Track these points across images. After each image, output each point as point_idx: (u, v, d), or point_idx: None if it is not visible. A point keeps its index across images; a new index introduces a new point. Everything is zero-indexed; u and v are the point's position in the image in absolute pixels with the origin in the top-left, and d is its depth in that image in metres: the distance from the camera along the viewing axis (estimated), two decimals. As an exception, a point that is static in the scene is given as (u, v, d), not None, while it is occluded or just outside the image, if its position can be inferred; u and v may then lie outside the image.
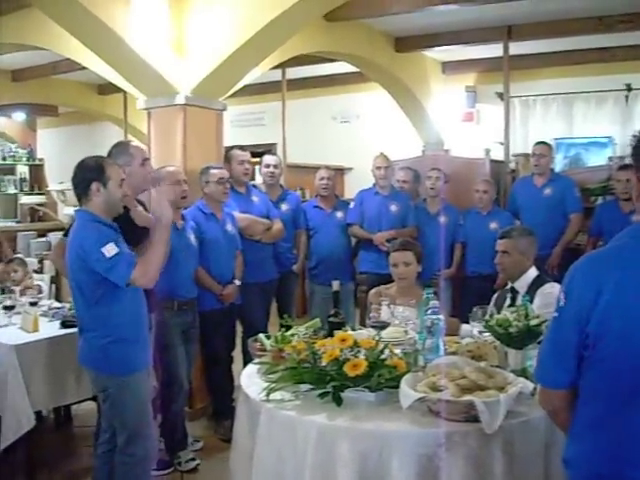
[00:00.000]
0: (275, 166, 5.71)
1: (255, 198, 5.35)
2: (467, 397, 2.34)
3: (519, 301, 3.34)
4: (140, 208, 3.94)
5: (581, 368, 1.81)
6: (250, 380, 2.92)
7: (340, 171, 9.23)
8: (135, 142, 4.05)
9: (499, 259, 3.84)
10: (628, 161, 5.99)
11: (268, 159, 5.73)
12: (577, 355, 1.81)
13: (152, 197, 3.42)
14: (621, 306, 1.71)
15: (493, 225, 5.85)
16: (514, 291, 3.75)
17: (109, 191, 3.20)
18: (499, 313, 2.96)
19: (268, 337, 3.14)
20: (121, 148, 3.92)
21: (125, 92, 8.33)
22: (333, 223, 5.97)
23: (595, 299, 1.74)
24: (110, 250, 3.05)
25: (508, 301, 3.70)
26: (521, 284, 3.74)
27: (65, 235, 3.59)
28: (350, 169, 9.62)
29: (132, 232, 3.48)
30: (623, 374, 1.71)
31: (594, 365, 1.78)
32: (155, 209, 3.35)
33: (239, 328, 5.19)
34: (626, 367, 1.70)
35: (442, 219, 6.12)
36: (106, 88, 9.77)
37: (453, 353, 2.89)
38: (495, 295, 3.98)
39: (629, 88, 7.89)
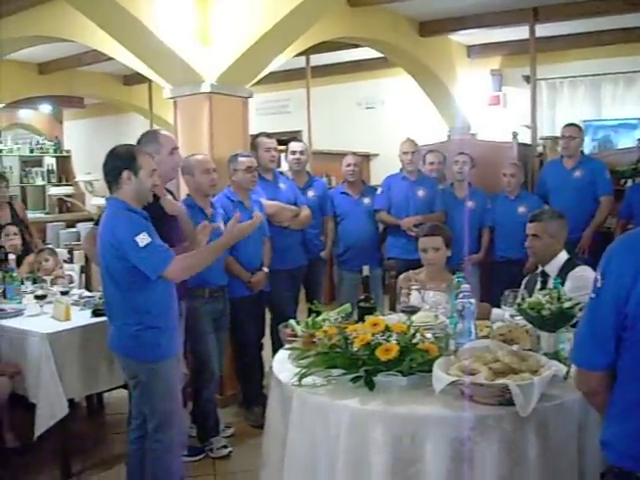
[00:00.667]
0: (301, 152, 5.70)
1: (282, 185, 5.35)
2: (501, 380, 2.33)
3: (550, 285, 3.32)
4: (169, 197, 3.96)
5: (619, 349, 1.80)
6: (282, 366, 2.92)
7: (366, 157, 9.21)
8: (164, 131, 4.06)
9: (529, 242, 3.81)
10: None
11: (294, 146, 5.72)
12: (615, 336, 1.79)
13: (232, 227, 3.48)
14: None
15: (521, 209, 5.80)
16: (545, 275, 3.72)
17: (140, 180, 3.21)
18: (530, 297, 2.94)
19: (298, 323, 3.14)
20: (150, 137, 3.93)
21: (150, 82, 8.38)
22: (360, 209, 5.96)
23: (633, 280, 1.73)
24: (143, 239, 3.07)
25: (539, 285, 3.67)
26: (552, 268, 3.71)
27: (96, 224, 3.62)
28: (376, 155, 9.59)
29: (161, 221, 3.50)
30: None
31: (632, 346, 1.76)
32: (230, 228, 3.44)
33: (268, 315, 5.20)
34: None
35: (470, 204, 6.08)
36: (131, 79, 9.83)
37: (485, 337, 2.87)
38: (525, 279, 3.95)
39: (659, 69, 7.78)
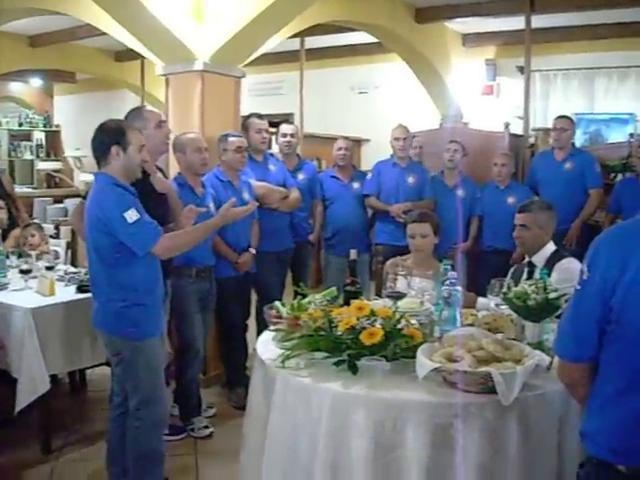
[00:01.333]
0: (292, 135, 5.68)
1: (272, 167, 5.33)
2: (484, 368, 2.33)
3: (536, 275, 3.33)
4: (159, 174, 3.94)
5: (602, 342, 1.80)
6: (265, 347, 2.92)
7: (357, 142, 9.19)
8: (149, 106, 4.03)
9: (518, 233, 3.81)
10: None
11: (285, 128, 5.70)
12: (599, 329, 1.79)
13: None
14: None
15: (511, 199, 5.80)
16: (531, 265, 3.73)
17: (128, 155, 3.19)
18: (516, 287, 2.94)
19: (284, 305, 3.13)
20: (135, 113, 3.91)
21: (143, 59, 8.31)
22: (350, 194, 5.95)
23: (620, 273, 1.72)
24: (132, 215, 3.05)
25: (525, 275, 3.68)
26: (539, 258, 3.72)
27: (84, 199, 3.59)
28: (367, 140, 9.58)
29: (150, 198, 3.48)
30: None
31: (615, 340, 1.76)
32: (224, 211, 3.48)
33: (254, 297, 5.20)
34: None
35: (459, 192, 6.08)
36: (124, 55, 9.75)
37: (470, 325, 2.88)
38: (512, 269, 3.96)
39: (652, 64, 7.79)
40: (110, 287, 3.21)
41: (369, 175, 6.11)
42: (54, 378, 4.20)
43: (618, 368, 1.77)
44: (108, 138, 3.19)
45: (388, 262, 4.10)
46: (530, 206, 3.86)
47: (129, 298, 3.19)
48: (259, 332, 4.14)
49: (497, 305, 3.07)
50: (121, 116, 3.88)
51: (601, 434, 1.80)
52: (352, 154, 6.20)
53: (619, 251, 1.75)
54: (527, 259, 3.83)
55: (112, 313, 3.23)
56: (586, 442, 1.85)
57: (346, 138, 6.16)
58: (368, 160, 6.38)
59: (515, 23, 7.52)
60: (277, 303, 3.17)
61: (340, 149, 5.96)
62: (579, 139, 7.69)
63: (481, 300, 3.37)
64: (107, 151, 3.17)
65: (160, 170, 4.07)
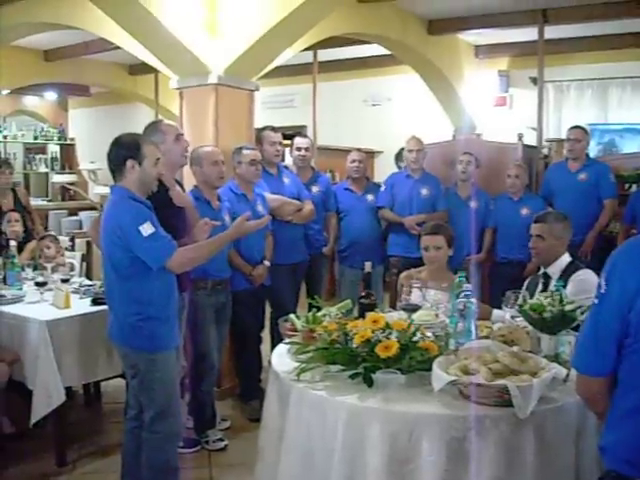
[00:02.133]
0: (307, 149, 5.70)
1: (286, 179, 5.35)
2: (500, 381, 2.32)
3: (551, 287, 3.31)
4: (178, 188, 3.96)
5: (621, 356, 1.79)
6: (281, 360, 2.92)
7: (371, 154, 9.20)
8: (166, 120, 4.06)
9: (533, 243, 3.80)
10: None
11: (300, 142, 5.71)
12: (617, 343, 1.78)
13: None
14: None
15: (524, 211, 5.79)
16: (546, 277, 3.72)
17: (144, 169, 3.21)
18: (531, 298, 2.93)
19: (298, 318, 3.13)
20: (152, 128, 3.94)
21: (157, 72, 8.35)
22: (364, 206, 5.95)
23: (637, 287, 1.71)
24: (147, 229, 3.06)
25: (540, 287, 3.67)
26: (554, 270, 3.70)
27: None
28: (380, 152, 9.59)
29: (169, 212, 3.50)
30: None
31: (633, 354, 1.75)
32: (239, 224, 3.48)
33: (268, 309, 5.20)
34: None
35: (473, 204, 6.06)
36: (138, 68, 9.81)
37: (485, 337, 2.87)
38: (527, 281, 3.94)
39: (666, 74, 7.77)
40: (125, 300, 3.23)
41: (382, 187, 6.11)
42: (69, 390, 4.21)
43: (635, 382, 1.75)
44: (124, 151, 3.21)
45: (402, 274, 4.09)
46: (546, 217, 3.85)
47: (144, 311, 3.20)
48: (273, 345, 4.15)
49: (512, 317, 3.06)
50: (135, 129, 3.89)
51: (619, 447, 1.79)
52: (366, 166, 6.21)
53: (636, 266, 1.74)
54: (542, 270, 3.81)
55: (127, 326, 3.24)
56: (604, 455, 1.84)
57: (359, 150, 6.17)
58: (382, 172, 6.39)
59: (528, 34, 7.52)
60: (292, 316, 3.17)
61: (354, 162, 5.97)
62: (593, 150, 7.66)
63: (496, 312, 3.36)
64: (123, 164, 3.20)
65: (179, 183, 4.09)
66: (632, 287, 1.72)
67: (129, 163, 3.18)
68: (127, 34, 5.10)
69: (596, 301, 1.83)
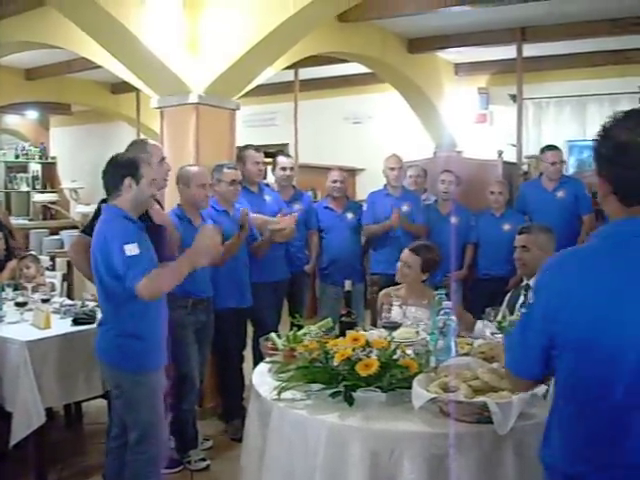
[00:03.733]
0: (291, 168, 5.74)
1: (267, 197, 5.36)
2: (480, 398, 2.33)
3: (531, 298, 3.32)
4: (157, 206, 3.96)
5: (553, 365, 1.77)
6: (261, 379, 2.92)
7: (352, 172, 9.22)
8: (152, 140, 4.07)
9: (518, 254, 3.84)
10: None
11: (283, 161, 5.73)
12: (543, 353, 1.77)
13: (202, 235, 3.36)
14: (587, 312, 1.64)
15: (507, 227, 5.83)
16: (528, 288, 3.73)
17: (140, 188, 3.22)
18: (512, 314, 2.95)
19: (280, 336, 3.13)
20: (138, 146, 3.94)
21: (138, 91, 8.35)
22: (344, 224, 5.97)
23: (562, 301, 1.70)
24: (132, 250, 3.05)
25: (522, 298, 3.68)
26: (537, 281, 3.71)
27: (83, 232, 3.61)
28: (362, 170, 9.61)
29: (149, 230, 3.51)
30: (588, 379, 1.65)
31: (561, 366, 1.74)
32: (199, 244, 3.31)
33: (250, 328, 5.18)
34: (590, 373, 1.64)
35: (453, 220, 6.11)
36: (119, 87, 9.81)
37: (465, 354, 2.88)
38: (508, 296, 3.96)
39: (644, 91, 7.86)
40: (111, 318, 3.23)
41: (364, 206, 6.13)
42: (49, 411, 4.18)
43: (564, 395, 1.74)
44: (123, 170, 3.23)
45: (382, 292, 4.11)
46: (531, 228, 3.92)
47: (128, 330, 3.19)
48: (255, 364, 4.13)
49: (492, 334, 3.08)
50: (117, 148, 3.93)
51: (554, 459, 1.77)
52: (347, 185, 6.24)
53: (562, 279, 1.74)
54: (525, 282, 3.84)
55: (114, 345, 3.24)
56: (544, 468, 1.82)
57: (340, 169, 6.19)
58: (363, 190, 6.42)
59: (507, 52, 7.60)
60: (273, 335, 3.17)
61: (335, 181, 6.00)
62: (572, 166, 7.74)
63: (479, 324, 3.38)
64: (120, 183, 3.20)
65: (158, 202, 4.09)
66: (557, 301, 1.71)
67: (127, 181, 3.19)
68: (107, 53, 5.11)
69: (525, 311, 1.84)
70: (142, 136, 9.32)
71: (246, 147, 5.32)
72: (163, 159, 3.97)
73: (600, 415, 1.63)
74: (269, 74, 5.74)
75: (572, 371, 1.70)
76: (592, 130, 6.90)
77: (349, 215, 6.03)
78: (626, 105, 7.99)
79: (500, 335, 2.97)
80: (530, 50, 7.34)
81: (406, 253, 4.03)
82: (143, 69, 5.13)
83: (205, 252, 3.30)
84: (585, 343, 1.65)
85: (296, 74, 8.18)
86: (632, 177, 1.61)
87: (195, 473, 4.32)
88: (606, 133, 1.66)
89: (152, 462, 3.33)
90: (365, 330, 3.27)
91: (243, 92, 5.50)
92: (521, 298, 3.71)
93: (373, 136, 9.50)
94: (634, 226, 1.65)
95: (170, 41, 4.92)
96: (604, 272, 1.65)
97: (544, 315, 1.75)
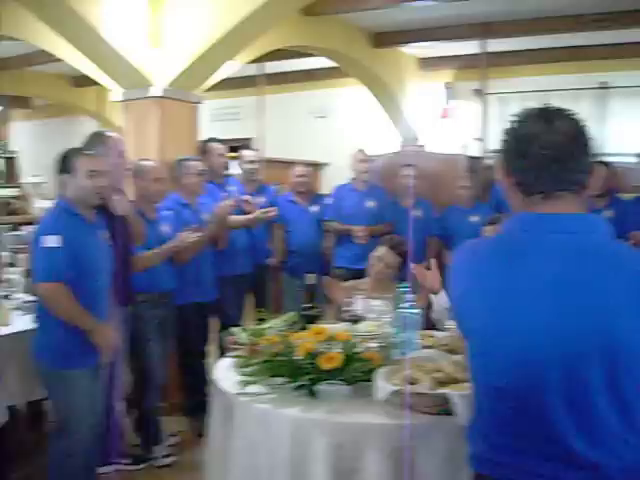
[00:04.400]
0: (257, 161, 5.75)
1: (232, 189, 5.33)
2: (442, 390, 2.34)
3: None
4: (120, 197, 3.92)
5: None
6: (224, 374, 2.90)
7: (316, 166, 9.20)
8: (111, 133, 4.03)
9: None
10: (604, 159, 6.07)
11: (249, 155, 5.74)
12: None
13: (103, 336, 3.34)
14: (485, 305, 1.67)
15: (475, 219, 5.87)
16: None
17: (77, 182, 3.25)
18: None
19: (243, 330, 3.12)
20: (98, 139, 3.91)
21: (100, 85, 8.26)
22: (308, 217, 5.99)
23: (465, 292, 1.74)
24: (49, 241, 3.09)
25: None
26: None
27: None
28: (327, 164, 9.60)
29: (111, 221, 3.49)
30: (489, 370, 1.68)
31: (469, 352, 1.78)
32: (101, 341, 3.32)
33: (214, 322, 5.15)
34: (491, 363, 1.67)
35: (416, 213, 6.14)
36: (81, 81, 9.66)
37: (428, 347, 2.89)
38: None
39: (605, 86, 7.95)
40: (40, 315, 3.29)
41: (328, 200, 6.12)
42: (12, 409, 4.11)
43: (474, 382, 1.77)
44: (59, 166, 3.30)
45: (345, 285, 4.10)
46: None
47: (55, 327, 3.21)
48: (220, 357, 4.12)
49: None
50: (79, 142, 3.89)
51: (469, 440, 1.80)
52: (311, 180, 6.25)
53: (465, 270, 1.77)
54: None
55: (38, 341, 3.31)
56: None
57: (305, 163, 6.20)
58: (328, 184, 6.41)
59: (471, 47, 7.64)
60: (236, 329, 3.15)
61: (300, 176, 6.03)
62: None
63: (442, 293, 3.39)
64: (60, 178, 3.28)
65: (121, 192, 4.05)
66: (461, 291, 1.75)
67: (64, 177, 3.27)
68: (69, 46, 5.04)
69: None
70: (105, 130, 9.22)
71: (208, 140, 5.30)
72: (122, 152, 3.93)
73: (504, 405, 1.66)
74: (234, 68, 5.71)
75: (477, 361, 1.74)
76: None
77: (313, 208, 6.05)
78: (587, 100, 8.11)
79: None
80: (494, 45, 7.40)
81: (386, 253, 4.00)
82: (105, 62, 5.06)
83: (104, 345, 3.32)
84: (485, 336, 1.68)
85: (261, 68, 8.15)
86: (531, 167, 1.67)
87: (160, 469, 4.29)
88: (510, 128, 1.75)
89: (66, 459, 3.32)
90: (329, 324, 3.26)
91: (207, 86, 5.46)
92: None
93: (338, 130, 9.48)
94: (526, 221, 1.69)
95: (133, 34, 4.87)
96: (496, 264, 1.69)
97: (453, 304, 1.81)
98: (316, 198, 6.20)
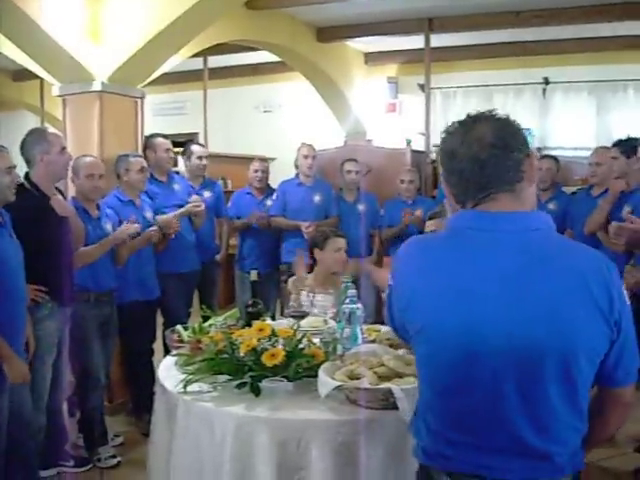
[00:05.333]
0: (206, 157, 5.72)
1: (176, 186, 5.28)
2: (385, 384, 2.35)
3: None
4: (60, 197, 3.85)
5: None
6: (168, 372, 2.87)
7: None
8: (52, 129, 3.94)
9: None
10: (546, 152, 6.17)
11: (199, 151, 5.69)
12: (403, 331, 1.81)
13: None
14: (435, 303, 1.67)
15: (418, 213, 5.92)
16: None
17: None
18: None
19: (186, 328, 3.09)
20: (38, 135, 3.82)
21: (42, 79, 8.10)
22: (262, 211, 6.00)
23: (412, 287, 1.74)
24: None
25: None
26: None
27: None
28: (273, 159, 9.57)
29: (52, 221, 3.42)
30: (440, 368, 1.69)
31: (417, 350, 1.78)
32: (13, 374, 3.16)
33: (160, 320, 5.10)
34: (442, 361, 1.68)
35: (360, 207, 6.18)
36: (21, 74, 9.43)
37: (372, 341, 2.90)
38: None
39: (546, 82, 8.08)
40: None
41: (274, 196, 6.11)
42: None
43: (423, 378, 1.78)
44: None
45: (289, 280, 4.08)
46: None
47: None
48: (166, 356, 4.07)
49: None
50: (20, 138, 3.81)
51: (417, 435, 1.80)
52: (268, 175, 6.26)
53: (413, 265, 1.77)
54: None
55: None
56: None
57: (262, 159, 6.27)
58: (274, 179, 6.38)
59: (415, 42, 7.68)
60: (178, 327, 3.13)
61: (257, 171, 6.09)
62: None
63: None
64: None
65: (60, 193, 3.97)
66: (407, 286, 1.75)
67: None
68: (7, 39, 4.92)
69: (387, 290, 1.87)
70: (47, 125, 9.05)
71: (152, 136, 5.23)
72: (64, 148, 3.85)
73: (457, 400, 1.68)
74: (176, 62, 5.64)
75: (425, 357, 1.73)
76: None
77: (268, 202, 6.09)
78: (530, 95, 8.25)
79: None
80: (438, 40, 7.45)
81: (342, 241, 4.01)
82: (44, 56, 4.95)
83: (13, 379, 3.17)
84: (433, 333, 1.67)
85: (205, 62, 8.09)
86: (457, 180, 1.70)
87: (105, 471, 4.21)
88: (442, 142, 1.77)
89: None
90: (275, 319, 3.26)
91: (148, 80, 5.38)
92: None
93: (284, 125, 9.46)
94: (466, 219, 1.71)
95: (72, 27, 4.76)
96: (441, 262, 1.70)
97: (398, 297, 1.78)
98: (271, 192, 6.22)
